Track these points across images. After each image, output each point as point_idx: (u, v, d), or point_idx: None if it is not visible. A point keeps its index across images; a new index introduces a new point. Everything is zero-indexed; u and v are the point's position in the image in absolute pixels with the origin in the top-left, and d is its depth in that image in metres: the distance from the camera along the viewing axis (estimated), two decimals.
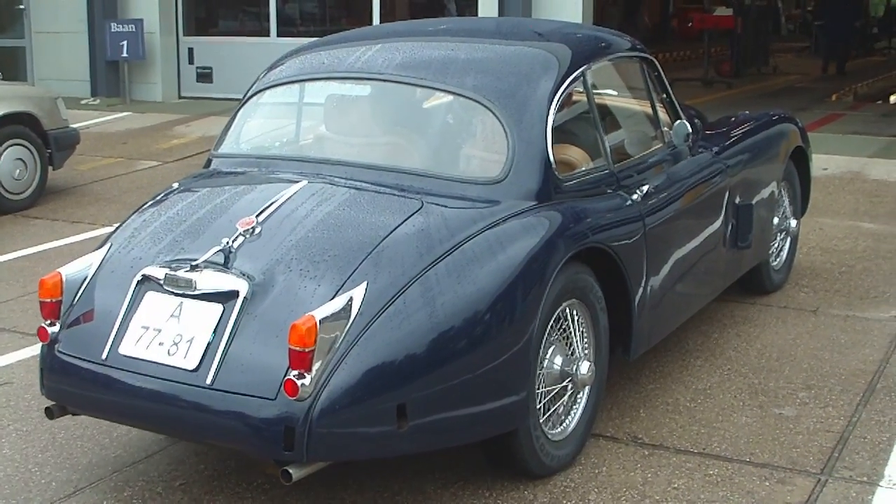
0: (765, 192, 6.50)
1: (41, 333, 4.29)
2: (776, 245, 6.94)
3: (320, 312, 3.77)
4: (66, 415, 4.37)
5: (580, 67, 5.09)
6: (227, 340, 3.92)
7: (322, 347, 3.74)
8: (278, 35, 15.99)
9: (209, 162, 5.27)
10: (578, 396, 4.67)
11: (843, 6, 21.43)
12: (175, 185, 4.99)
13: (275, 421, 3.76)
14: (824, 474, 4.54)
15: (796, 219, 7.12)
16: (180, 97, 16.27)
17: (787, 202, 7.02)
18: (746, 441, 4.85)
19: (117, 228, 4.70)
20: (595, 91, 5.22)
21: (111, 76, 15.99)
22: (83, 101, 15.60)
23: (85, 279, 4.37)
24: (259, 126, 5.46)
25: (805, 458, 4.68)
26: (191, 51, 16.33)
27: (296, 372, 3.71)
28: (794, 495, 4.35)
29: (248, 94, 5.41)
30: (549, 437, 4.48)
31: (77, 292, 4.33)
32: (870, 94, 18.71)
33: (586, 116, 5.17)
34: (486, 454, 4.49)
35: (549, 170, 4.65)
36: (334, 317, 3.80)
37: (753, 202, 6.24)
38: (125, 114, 14.83)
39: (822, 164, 10.56)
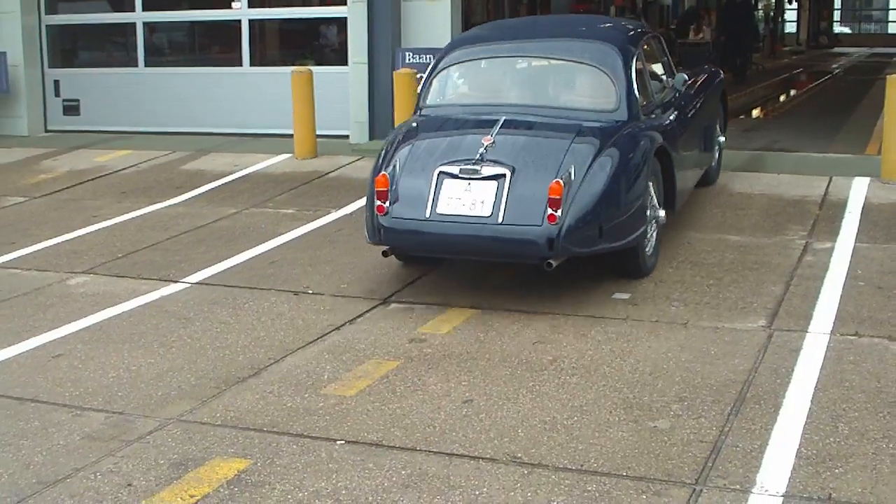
0: (713, 119, 10.54)
1: (379, 209, 7.25)
2: (716, 154, 10.67)
3: (561, 179, 6.94)
4: (394, 254, 7.66)
5: (638, 45, 8.51)
6: (506, 199, 7.01)
7: (563, 196, 6.89)
8: (146, 66, 15.79)
9: (420, 111, 8.31)
10: (655, 231, 7.91)
11: (743, 22, 23.96)
12: (414, 125, 8.02)
13: (543, 236, 6.91)
14: (699, 484, 4.65)
15: (724, 133, 11.11)
16: (47, 131, 15.94)
17: (721, 122, 10.94)
18: (623, 455, 4.95)
19: (394, 153, 7.59)
20: (643, 58, 8.53)
21: None
22: None
23: (394, 178, 7.36)
24: (451, 87, 8.55)
25: (680, 470, 4.79)
26: (56, 83, 16.00)
27: (552, 210, 6.88)
28: None
29: (437, 69, 8.44)
30: (647, 252, 7.75)
31: (393, 183, 7.32)
32: (732, 109, 19.18)
33: (641, 72, 8.29)
34: (615, 265, 7.72)
35: (636, 103, 7.95)
36: (566, 181, 6.96)
37: (711, 124, 10.32)
38: None
39: None
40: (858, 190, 10.16)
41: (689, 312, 6.99)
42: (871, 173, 10.70)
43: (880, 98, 11.11)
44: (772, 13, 46.92)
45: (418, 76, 12.55)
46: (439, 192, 7.14)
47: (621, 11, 32.18)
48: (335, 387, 5.91)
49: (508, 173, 7.07)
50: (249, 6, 14.96)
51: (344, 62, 13.85)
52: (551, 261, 6.96)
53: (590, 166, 7.17)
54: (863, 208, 9.52)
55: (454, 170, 7.17)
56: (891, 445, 4.99)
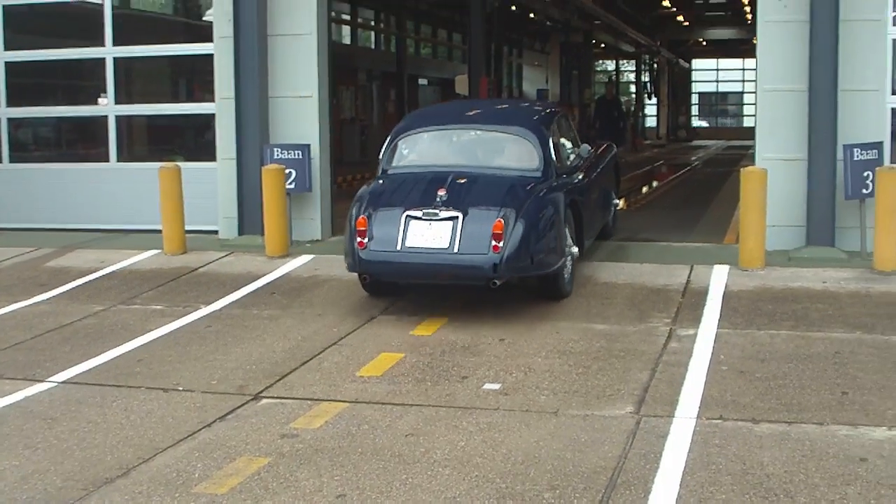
0: (611, 184, 13.10)
1: (360, 244, 9.21)
2: (612, 211, 13.05)
3: (501, 219, 8.98)
4: (372, 281, 9.59)
5: (553, 121, 10.87)
6: (460, 235, 9.01)
7: (504, 232, 8.92)
8: (11, 161, 15.55)
9: (385, 172, 10.24)
10: (570, 263, 9.96)
11: (611, 113, 24.95)
12: (380, 182, 10.03)
13: (489, 262, 8.93)
14: None
15: (618, 197, 13.60)
16: None
17: (615, 187, 13.43)
18: None
19: (368, 202, 9.53)
20: (557, 131, 10.82)
21: None
22: None
23: (371, 220, 9.28)
24: (408, 154, 10.42)
25: None
26: None
27: (495, 242, 8.90)
28: None
29: (396, 139, 10.43)
30: (565, 279, 9.83)
31: (370, 224, 9.26)
32: None
33: (556, 143, 10.49)
34: (541, 289, 9.83)
35: (553, 165, 10.11)
36: (505, 220, 9.01)
37: (609, 187, 12.90)
38: None
39: None
40: (718, 278, 10.48)
41: (558, 401, 7.08)
42: (730, 261, 11.05)
43: (736, 189, 11.50)
44: (632, 108, 48.31)
45: (287, 171, 12.61)
46: (407, 231, 9.17)
47: None
48: (206, 485, 5.83)
49: (461, 216, 9.13)
50: (116, 102, 14.88)
51: (213, 158, 13.84)
52: (496, 281, 9.02)
53: (522, 211, 9.21)
54: (723, 295, 9.81)
55: (418, 213, 9.21)
56: None
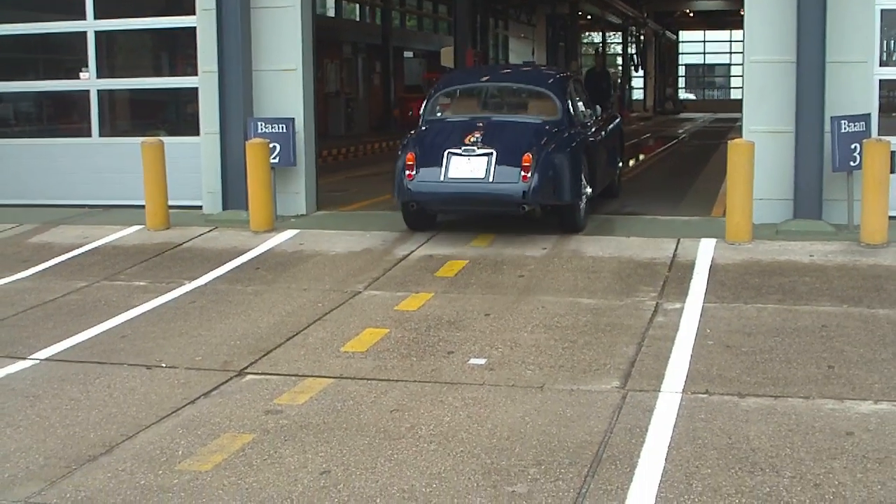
0: (616, 145, 14.74)
1: (409, 176, 10.99)
2: (617, 172, 14.87)
3: (529, 154, 10.83)
4: (417, 210, 11.58)
5: (569, 81, 12.70)
6: (494, 167, 10.83)
7: (531, 165, 10.77)
8: None
9: (426, 122, 11.98)
10: (586, 201, 11.70)
11: (600, 85, 24.51)
12: (423, 128, 11.85)
13: (519, 190, 10.80)
14: None
15: (622, 161, 15.61)
16: None
17: (619, 151, 15.24)
18: None
19: (412, 145, 11.35)
20: (573, 90, 12.57)
21: None
22: None
23: (417, 157, 11.14)
24: (444, 107, 12.35)
25: None
26: None
27: (524, 173, 10.75)
28: None
29: (437, 93, 12.37)
30: (581, 213, 11.57)
31: (416, 161, 11.06)
32: None
33: (572, 100, 12.29)
34: (560, 221, 11.56)
35: (571, 116, 12.01)
36: (532, 156, 10.82)
37: (615, 147, 14.60)
38: None
39: (541, 244, 11.00)
40: (705, 251, 10.45)
41: (544, 376, 7.05)
42: (717, 235, 11.03)
43: (724, 161, 11.46)
44: (619, 80, 48.23)
45: (271, 145, 12.53)
46: (448, 165, 10.95)
47: None
48: (190, 462, 5.79)
49: (494, 152, 10.88)
50: (98, 76, 14.75)
51: (196, 132, 13.75)
52: (524, 206, 10.90)
53: (545, 150, 10.99)
54: (710, 269, 9.79)
55: (458, 150, 10.99)
56: (743, 501, 5.09)
